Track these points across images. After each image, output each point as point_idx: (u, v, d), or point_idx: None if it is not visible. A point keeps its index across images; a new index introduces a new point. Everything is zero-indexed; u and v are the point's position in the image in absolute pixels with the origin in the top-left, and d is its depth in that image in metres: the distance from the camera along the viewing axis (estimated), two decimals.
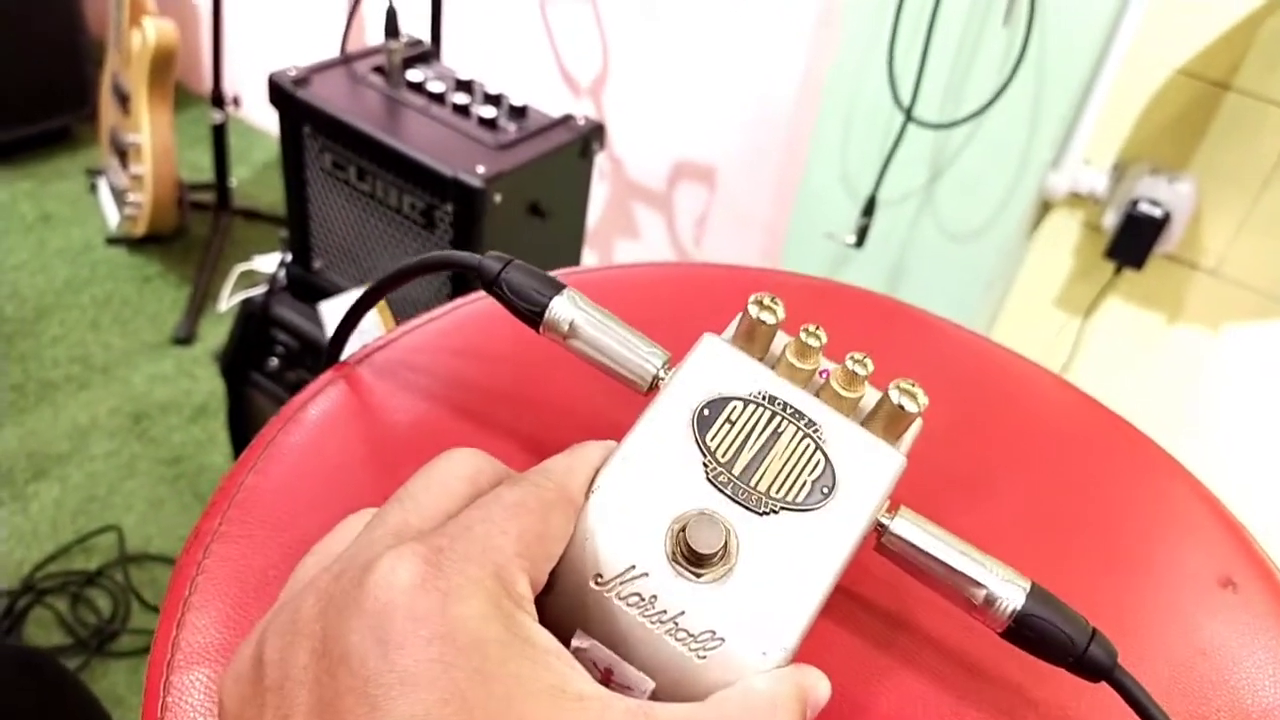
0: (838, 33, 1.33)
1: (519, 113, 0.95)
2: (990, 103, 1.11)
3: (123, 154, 1.75)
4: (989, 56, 1.11)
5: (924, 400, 0.30)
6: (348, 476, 0.36)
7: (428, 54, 1.04)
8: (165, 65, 1.62)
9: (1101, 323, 1.32)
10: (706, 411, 0.29)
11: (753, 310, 0.30)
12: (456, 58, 1.28)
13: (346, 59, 1.00)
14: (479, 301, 0.43)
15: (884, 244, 1.25)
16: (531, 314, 0.32)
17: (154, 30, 1.57)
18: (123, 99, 1.71)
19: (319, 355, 1.02)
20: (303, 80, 0.94)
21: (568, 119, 0.95)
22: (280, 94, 0.94)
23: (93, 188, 1.99)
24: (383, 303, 0.99)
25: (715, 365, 0.30)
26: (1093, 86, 1.13)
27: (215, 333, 1.73)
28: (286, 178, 0.99)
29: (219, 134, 1.80)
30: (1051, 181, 1.19)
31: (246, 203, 1.98)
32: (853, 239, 1.23)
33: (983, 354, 0.49)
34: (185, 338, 1.69)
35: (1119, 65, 1.11)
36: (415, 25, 1.18)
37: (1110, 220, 1.23)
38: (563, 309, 0.31)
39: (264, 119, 2.26)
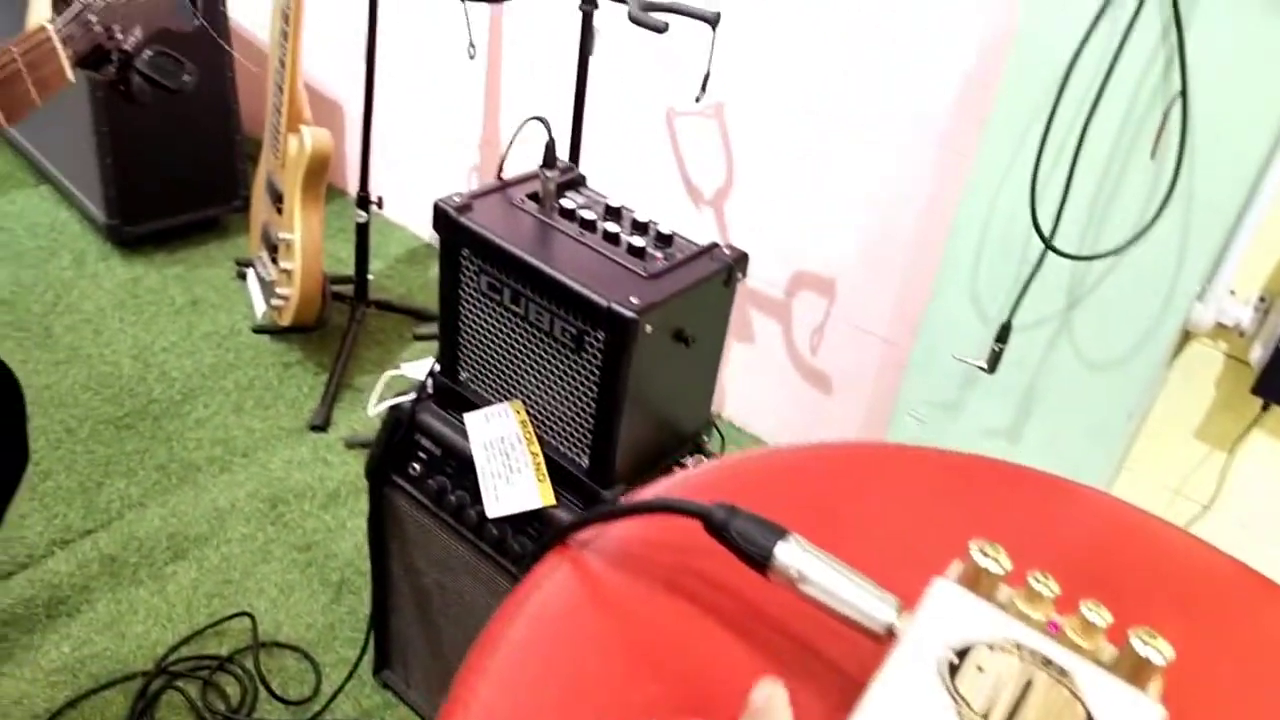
0: (969, 153, 1.34)
1: (666, 240, 0.99)
2: (1135, 238, 1.10)
3: (273, 248, 1.87)
4: (1135, 189, 1.10)
5: (1169, 653, 0.30)
6: (586, 685, 0.35)
7: (577, 179, 1.10)
8: (319, 170, 1.74)
9: (1248, 459, 1.26)
10: (955, 659, 0.29)
11: (977, 558, 0.31)
12: (586, 165, 1.34)
13: (504, 185, 1.06)
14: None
15: (1017, 369, 1.24)
16: (759, 560, 0.33)
17: (311, 138, 1.69)
18: (277, 198, 1.83)
19: (460, 463, 1.06)
20: (465, 207, 1.00)
21: (713, 248, 0.99)
22: (444, 219, 1.00)
23: (241, 276, 2.13)
24: (529, 426, 1.02)
25: (952, 611, 0.31)
26: (1242, 219, 1.11)
27: (348, 419, 1.81)
28: (443, 294, 1.04)
29: (362, 232, 1.91)
30: (1196, 313, 1.16)
31: (381, 294, 2.09)
32: (984, 364, 1.22)
33: (1194, 557, 0.48)
34: (321, 424, 1.77)
35: (1271, 198, 1.09)
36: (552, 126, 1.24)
37: (1257, 354, 1.19)
38: (790, 556, 0.33)
39: (399, 215, 2.38)
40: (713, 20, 1.26)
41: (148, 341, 1.93)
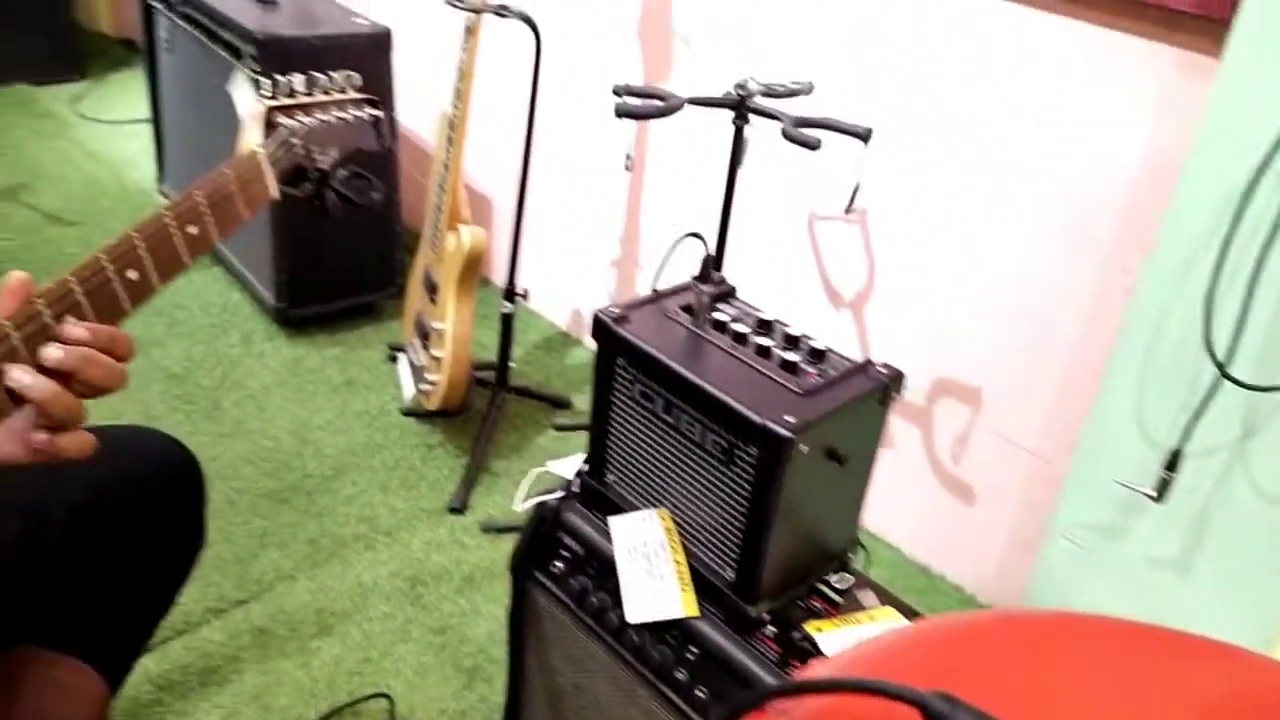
0: (1133, 268, 1.30)
1: (819, 355, 0.99)
2: None
3: (425, 336, 1.97)
4: None
5: None
6: None
7: (728, 292, 1.12)
8: (474, 266, 1.83)
9: None
10: None
11: None
12: (725, 268, 1.36)
13: (658, 296, 1.09)
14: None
15: (1187, 497, 1.17)
16: None
17: (469, 236, 1.79)
18: (431, 289, 1.94)
19: (603, 566, 1.07)
20: (622, 318, 1.04)
21: (867, 365, 0.98)
22: (603, 330, 1.03)
23: (392, 359, 2.24)
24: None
25: None
26: None
27: (485, 503, 1.86)
28: (595, 399, 1.07)
29: (506, 322, 1.99)
30: None
31: (520, 380, 2.16)
32: (1152, 491, 1.15)
33: None
34: (459, 507, 1.83)
35: None
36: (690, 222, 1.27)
37: None
38: None
39: (539, 304, 2.47)
40: (865, 136, 1.28)
41: (305, 418, 2.05)
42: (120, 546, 0.95)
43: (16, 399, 0.67)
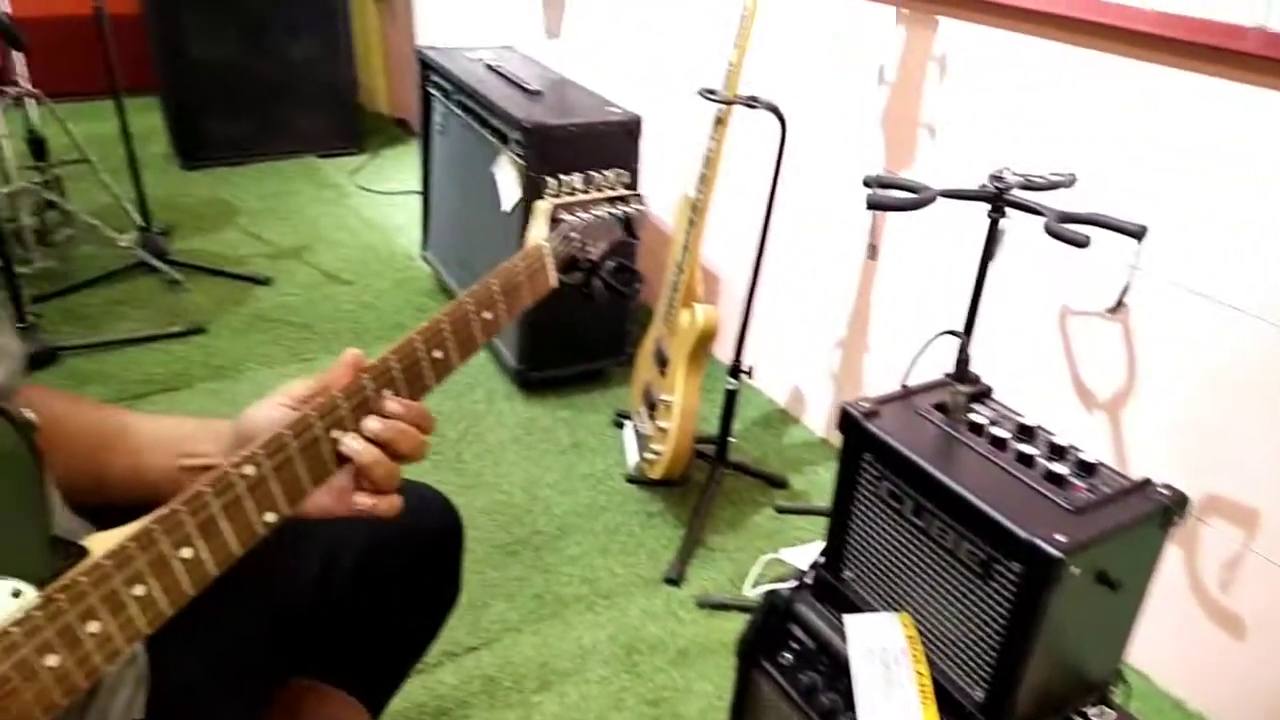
0: None
1: (1088, 469, 0.94)
2: None
3: (652, 406, 2.03)
4: None
5: None
6: None
7: (984, 392, 1.09)
8: (705, 343, 1.88)
9: None
10: None
11: None
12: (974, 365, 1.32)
13: (908, 393, 1.08)
14: None
15: None
16: None
17: (703, 315, 1.84)
18: (662, 362, 2.00)
19: (834, 664, 1.05)
20: (872, 413, 1.03)
21: (1146, 484, 0.92)
22: (850, 423, 1.03)
23: (618, 425, 2.32)
24: None
25: None
26: None
27: (700, 576, 1.87)
28: (838, 491, 1.07)
29: (730, 398, 2.02)
30: None
31: (739, 456, 2.17)
32: None
33: None
34: (675, 578, 1.85)
35: None
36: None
37: None
38: None
39: (761, 382, 2.49)
40: (1139, 234, 1.21)
41: (536, 476, 2.16)
42: (393, 592, 1.04)
43: (342, 461, 0.75)
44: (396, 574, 1.03)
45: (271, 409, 0.79)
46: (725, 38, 1.78)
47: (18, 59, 2.81)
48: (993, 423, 1.02)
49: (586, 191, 1.08)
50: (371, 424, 0.76)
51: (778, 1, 2.10)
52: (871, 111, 2.01)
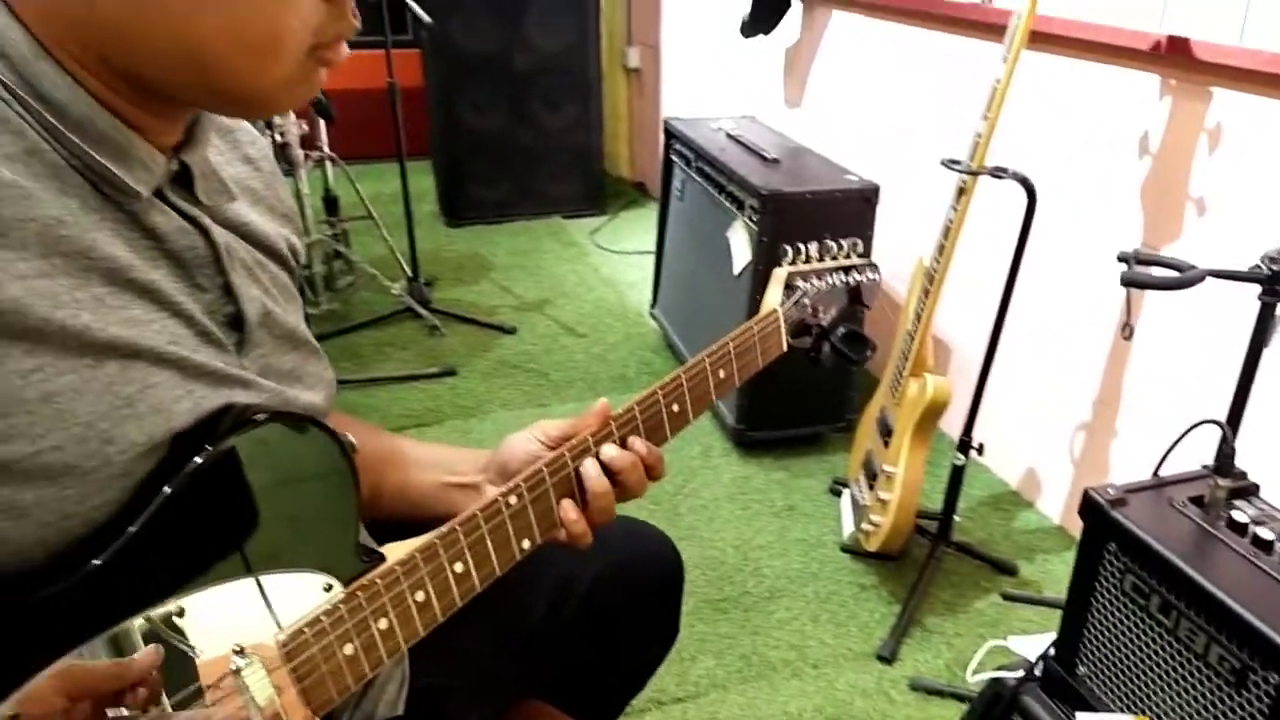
0: None
1: None
2: None
3: (873, 477, 2.00)
4: None
5: None
6: None
7: (1248, 489, 1.00)
8: (934, 415, 1.84)
9: None
10: None
11: None
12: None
13: (1161, 483, 1.02)
14: None
15: None
16: None
17: (933, 386, 1.81)
18: (886, 432, 1.97)
19: None
20: (1119, 501, 0.98)
21: None
22: (1094, 510, 0.99)
23: (835, 493, 2.31)
24: None
25: None
26: None
27: (915, 657, 1.81)
28: (1075, 581, 1.02)
29: (956, 475, 1.95)
30: None
31: (962, 536, 2.09)
32: None
33: None
34: (888, 656, 1.80)
35: None
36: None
37: None
38: None
39: (990, 459, 2.39)
40: None
41: (748, 536, 2.18)
42: (619, 624, 1.09)
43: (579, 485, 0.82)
44: (623, 607, 1.09)
45: (528, 442, 0.88)
46: (968, 106, 1.77)
47: (322, 127, 3.25)
48: (1257, 522, 0.94)
49: (820, 259, 1.12)
50: (608, 450, 0.83)
51: (1030, 71, 2.06)
52: (1130, 184, 1.91)
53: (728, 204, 2.45)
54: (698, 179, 2.69)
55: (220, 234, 0.66)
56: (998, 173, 1.73)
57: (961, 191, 1.78)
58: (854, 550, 2.09)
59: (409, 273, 3.28)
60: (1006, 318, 1.83)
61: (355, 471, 0.68)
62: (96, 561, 0.55)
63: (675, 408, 0.91)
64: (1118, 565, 0.96)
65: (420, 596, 0.71)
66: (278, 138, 2.92)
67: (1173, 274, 1.23)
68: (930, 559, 1.99)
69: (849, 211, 2.26)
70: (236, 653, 0.61)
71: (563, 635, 1.04)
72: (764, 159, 2.48)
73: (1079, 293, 2.07)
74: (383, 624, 0.69)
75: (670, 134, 2.91)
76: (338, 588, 0.67)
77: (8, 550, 0.53)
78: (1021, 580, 2.03)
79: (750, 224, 2.31)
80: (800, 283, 1.08)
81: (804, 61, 3.11)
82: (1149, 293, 1.88)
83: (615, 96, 4.73)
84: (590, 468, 0.82)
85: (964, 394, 1.97)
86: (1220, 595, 0.85)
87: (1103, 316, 2.01)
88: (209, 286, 0.66)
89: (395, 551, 0.70)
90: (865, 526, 2.00)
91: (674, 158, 2.91)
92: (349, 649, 0.67)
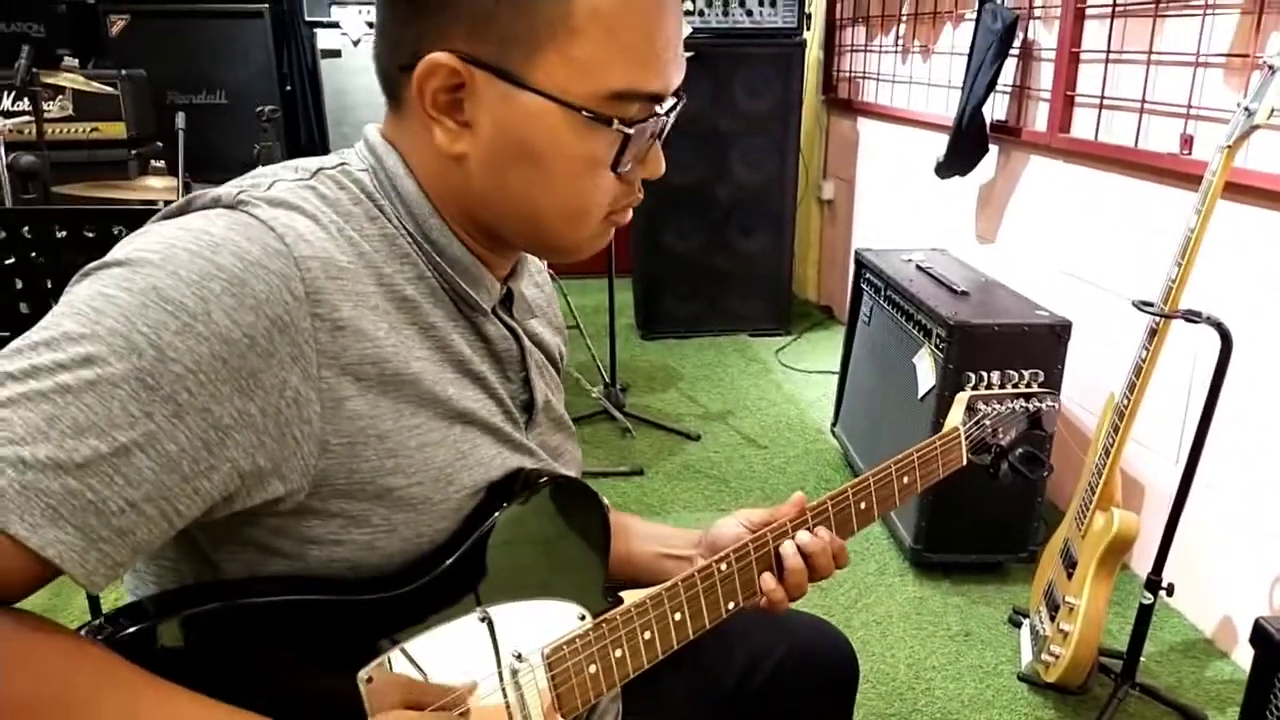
0: None
1: None
2: None
3: (1055, 608, 2.01)
4: None
5: None
6: None
7: None
8: (1119, 550, 1.85)
9: None
10: None
11: None
12: None
13: None
14: None
15: None
16: None
17: (1120, 521, 1.83)
18: (1070, 564, 1.99)
19: None
20: None
21: None
22: (1265, 639, 1.03)
23: (1014, 623, 2.30)
24: None
25: None
26: None
27: None
28: (1246, 706, 1.05)
29: (1143, 614, 1.93)
30: None
31: (1148, 679, 2.03)
32: None
33: None
34: None
35: None
36: None
37: None
38: None
39: (1182, 602, 2.31)
40: None
41: (922, 656, 2.21)
42: (799, 707, 1.21)
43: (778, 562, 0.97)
44: (803, 691, 1.21)
45: (735, 526, 1.04)
46: (1162, 249, 1.84)
47: None
48: None
49: (1002, 386, 1.24)
50: (803, 535, 0.98)
51: (1226, 218, 2.10)
52: None
53: (915, 331, 2.57)
54: (886, 307, 2.83)
55: (526, 342, 0.89)
56: (1191, 317, 1.77)
57: (1154, 333, 1.84)
58: (1032, 681, 2.08)
59: (606, 379, 3.57)
60: (1201, 458, 1.84)
61: (609, 527, 0.87)
62: (436, 572, 0.76)
63: (863, 505, 1.05)
64: None
65: (648, 635, 0.88)
66: None
67: None
68: (1113, 699, 1.95)
69: (1038, 345, 2.32)
70: (515, 656, 0.80)
71: (747, 705, 1.17)
72: (953, 290, 2.59)
73: (1277, 436, 2.03)
74: (618, 652, 0.86)
75: (861, 263, 3.07)
76: (589, 618, 0.85)
77: (377, 557, 0.75)
78: None
79: (936, 351, 2.42)
80: (981, 406, 1.21)
81: (999, 200, 3.23)
82: None
83: (807, 224, 4.97)
84: (788, 547, 0.97)
85: (1154, 532, 1.97)
86: None
87: None
88: (514, 379, 0.88)
89: (631, 597, 0.88)
90: (1045, 657, 2.00)
91: (863, 286, 3.07)
92: (593, 668, 0.84)
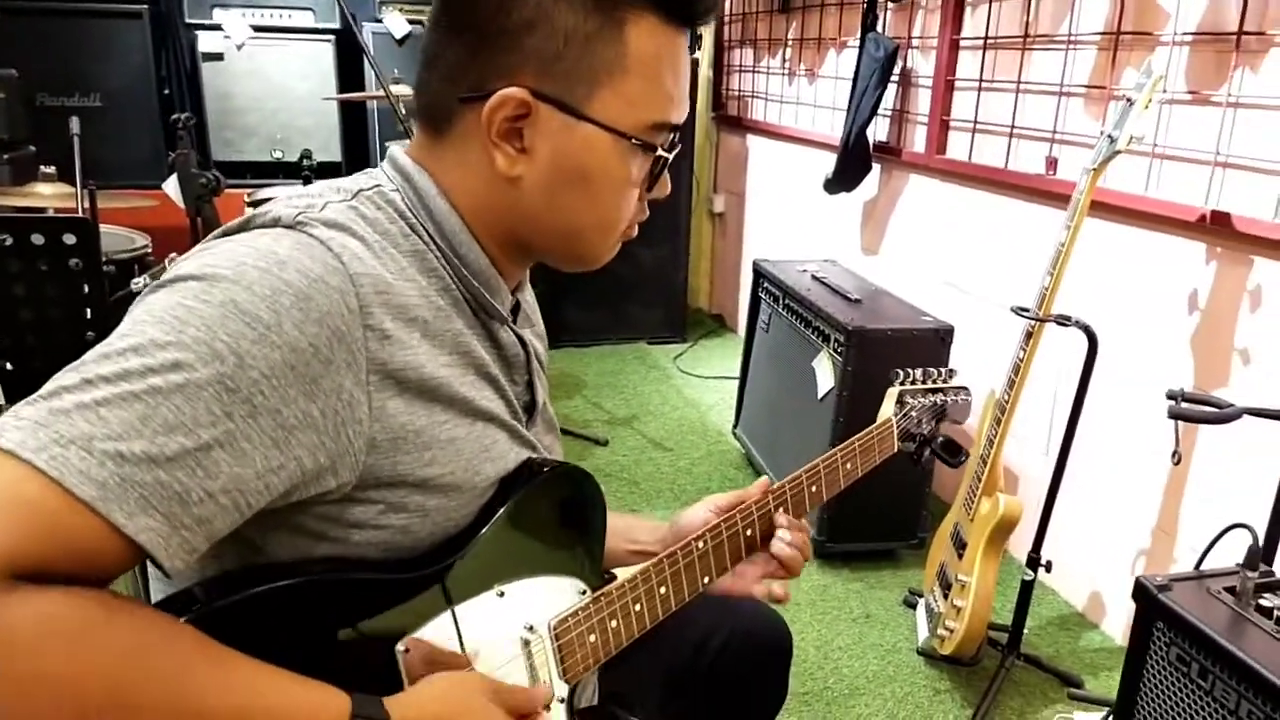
0: None
1: None
2: None
3: (947, 586, 2.21)
4: None
5: None
6: None
7: (1275, 584, 1.22)
8: (1005, 530, 2.06)
9: None
10: None
11: None
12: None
13: (1200, 576, 1.24)
14: None
15: None
16: None
17: (1004, 504, 2.04)
18: (959, 545, 2.19)
19: None
20: (1164, 587, 1.21)
21: None
22: (1144, 593, 1.21)
23: (909, 604, 2.50)
24: None
25: None
26: None
27: None
28: (1130, 653, 1.23)
29: (1025, 589, 2.15)
30: None
31: (1030, 650, 2.26)
32: None
33: None
34: None
35: None
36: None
37: None
38: None
39: (1056, 581, 2.56)
40: None
41: (829, 639, 2.37)
42: (743, 679, 1.32)
43: (748, 551, 1.09)
44: (747, 663, 1.32)
45: (701, 511, 1.15)
46: (1034, 260, 2.06)
47: None
48: None
49: (924, 381, 1.39)
50: (781, 518, 1.10)
51: (1092, 233, 2.36)
52: (1181, 335, 2.17)
53: (814, 337, 2.75)
54: (784, 314, 3.01)
55: (530, 347, 0.97)
56: (1062, 321, 2.00)
57: (1029, 335, 2.06)
58: (929, 654, 2.27)
59: None
60: (1071, 448, 2.07)
61: (606, 510, 0.96)
62: (461, 553, 0.84)
63: (814, 488, 1.18)
64: (1163, 640, 1.18)
65: (638, 608, 0.97)
66: None
67: (1212, 411, 1.48)
68: (1001, 668, 2.16)
69: (925, 348, 2.54)
70: (527, 628, 0.88)
71: (701, 677, 1.28)
72: (847, 299, 2.79)
73: (1136, 429, 2.30)
74: (614, 623, 0.95)
75: (759, 273, 3.25)
76: (589, 593, 0.94)
77: (411, 539, 0.81)
78: (1085, 693, 2.18)
79: (835, 355, 2.60)
80: (909, 399, 1.35)
81: (882, 214, 3.47)
82: (1204, 429, 2.11)
83: (700, 237, 5.16)
84: (783, 535, 1.10)
85: (1031, 517, 2.19)
86: (1251, 662, 1.06)
87: (1150, 443, 2.23)
88: (519, 382, 0.96)
89: (623, 574, 0.97)
90: (940, 632, 2.19)
91: (761, 294, 3.24)
92: (593, 638, 0.93)
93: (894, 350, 2.53)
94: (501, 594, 0.86)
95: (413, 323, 0.79)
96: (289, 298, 0.69)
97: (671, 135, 0.87)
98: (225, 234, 0.76)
